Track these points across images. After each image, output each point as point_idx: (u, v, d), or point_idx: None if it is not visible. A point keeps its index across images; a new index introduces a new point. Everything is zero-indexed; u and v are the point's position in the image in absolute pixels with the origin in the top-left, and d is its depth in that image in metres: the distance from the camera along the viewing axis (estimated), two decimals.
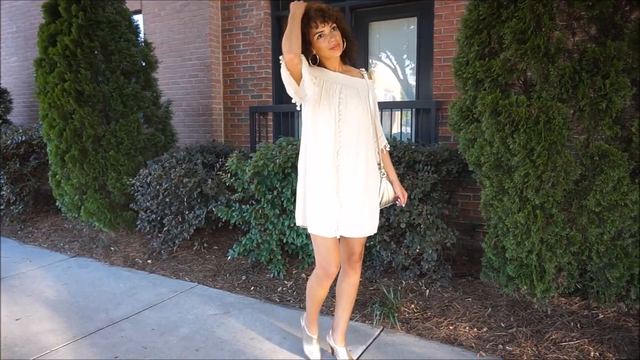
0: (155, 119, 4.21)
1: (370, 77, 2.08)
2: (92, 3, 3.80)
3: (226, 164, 3.36)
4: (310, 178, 1.95)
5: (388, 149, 2.19)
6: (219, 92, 5.16)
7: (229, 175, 3.35)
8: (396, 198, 2.15)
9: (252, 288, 3.16)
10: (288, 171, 3.10)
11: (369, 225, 2.00)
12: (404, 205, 2.20)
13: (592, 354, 2.19)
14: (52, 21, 3.83)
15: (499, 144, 2.23)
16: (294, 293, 3.04)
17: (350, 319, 2.62)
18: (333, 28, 1.86)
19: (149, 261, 3.75)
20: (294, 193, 3.09)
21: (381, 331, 2.51)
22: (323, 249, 1.98)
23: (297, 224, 2.08)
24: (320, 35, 1.85)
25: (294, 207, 3.08)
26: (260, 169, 3.11)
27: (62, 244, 4.32)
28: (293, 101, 1.93)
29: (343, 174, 1.91)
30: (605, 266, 2.23)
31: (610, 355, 2.18)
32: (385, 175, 2.12)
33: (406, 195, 2.19)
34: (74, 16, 3.72)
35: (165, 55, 5.15)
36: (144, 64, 4.18)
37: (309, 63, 1.86)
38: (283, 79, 1.85)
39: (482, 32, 2.25)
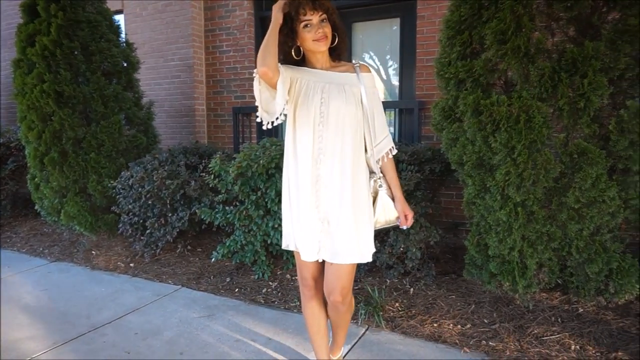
0: (137, 120, 4.16)
1: (366, 70, 1.78)
2: (72, 3, 3.73)
3: (209, 165, 3.34)
4: (291, 192, 1.77)
5: (394, 153, 1.84)
6: (202, 93, 5.12)
7: (212, 176, 3.33)
8: (398, 218, 1.83)
9: (237, 290, 3.14)
10: (272, 172, 3.09)
11: (357, 249, 1.70)
12: (405, 227, 1.84)
13: (572, 347, 2.23)
14: (31, 21, 3.75)
15: (480, 143, 2.26)
16: (279, 294, 3.03)
17: None
18: (323, 19, 1.66)
19: (132, 265, 3.69)
20: (278, 194, 3.08)
21: (366, 330, 2.52)
22: (297, 261, 1.85)
23: (283, 247, 1.88)
24: (306, 25, 1.64)
25: (278, 208, 3.09)
26: (244, 170, 3.09)
27: (41, 249, 4.23)
28: (259, 120, 1.72)
29: (324, 186, 1.69)
30: (584, 261, 2.28)
31: (590, 348, 2.22)
32: (385, 188, 1.80)
33: (411, 216, 1.82)
34: (53, 16, 3.65)
35: (147, 55, 5.09)
36: (125, 64, 4.11)
37: (292, 55, 1.70)
38: (254, 93, 1.68)
39: (463, 33, 2.28)
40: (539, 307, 2.57)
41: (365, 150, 1.77)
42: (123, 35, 4.22)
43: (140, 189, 3.54)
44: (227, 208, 3.31)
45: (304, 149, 1.71)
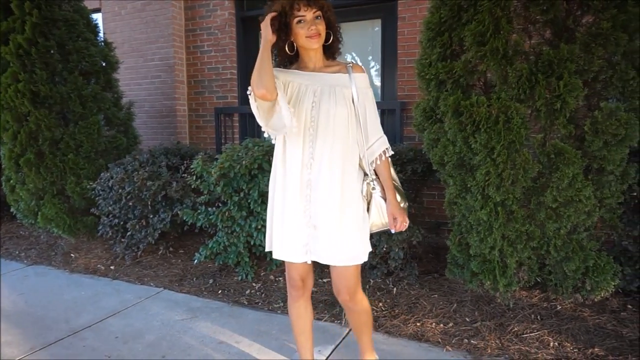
0: (116, 120, 4.09)
1: (359, 71, 1.74)
2: (47, 1, 3.65)
3: (191, 166, 3.30)
4: (275, 195, 1.77)
5: (389, 154, 1.79)
6: (183, 93, 5.07)
7: (194, 177, 3.30)
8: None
9: (220, 291, 3.12)
10: (255, 172, 3.08)
11: (347, 251, 1.70)
12: (394, 231, 1.78)
13: (551, 344, 2.28)
14: (4, 19, 3.65)
15: (461, 144, 2.29)
16: (262, 295, 3.02)
17: (319, 319, 2.63)
18: (317, 16, 1.64)
19: (112, 267, 3.63)
20: (261, 195, 3.07)
21: (350, 330, 2.53)
22: (286, 262, 1.84)
23: (266, 250, 1.87)
24: (300, 21, 1.63)
25: (262, 209, 3.08)
26: (226, 171, 3.07)
27: (17, 252, 4.13)
28: (265, 135, 1.71)
29: (313, 191, 1.68)
30: (562, 259, 2.33)
31: (568, 344, 2.27)
32: (379, 190, 1.76)
33: (401, 220, 1.75)
34: (28, 14, 3.56)
35: (127, 55, 5.01)
36: (104, 64, 4.05)
37: (285, 51, 1.70)
38: (253, 111, 1.65)
39: (444, 35, 2.31)
40: (519, 305, 2.62)
41: None
42: (101, 35, 4.15)
43: (120, 191, 3.49)
44: (209, 209, 3.29)
45: (294, 153, 1.70)
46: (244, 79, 5.07)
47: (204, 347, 2.40)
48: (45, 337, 2.55)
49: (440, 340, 2.39)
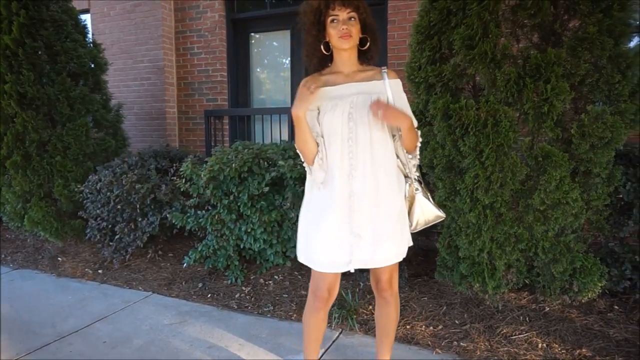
0: (105, 123, 4.05)
1: (394, 76, 1.74)
2: (35, 1, 3.61)
3: (181, 169, 3.28)
4: (311, 207, 1.75)
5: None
6: (173, 96, 5.05)
7: (183, 180, 3.27)
8: (438, 217, 1.85)
9: (209, 295, 3.09)
10: (244, 175, 3.07)
11: (393, 252, 1.74)
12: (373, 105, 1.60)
13: (540, 345, 2.30)
14: None
15: (450, 147, 2.30)
16: (252, 299, 3.00)
17: None
18: (351, 17, 1.63)
19: (100, 271, 3.59)
20: (250, 198, 3.06)
21: (340, 333, 2.53)
22: (314, 272, 1.78)
23: (300, 261, 1.82)
24: (333, 20, 1.63)
25: (251, 212, 3.07)
26: (216, 174, 3.06)
27: (3, 256, 4.06)
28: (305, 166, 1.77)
29: (357, 201, 1.66)
30: (550, 261, 2.35)
31: (556, 345, 2.29)
32: (421, 191, 1.80)
33: (383, 108, 1.58)
34: (15, 14, 3.52)
35: (116, 57, 4.98)
36: (92, 65, 4.01)
37: (322, 50, 1.69)
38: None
39: (433, 38, 2.32)
40: (507, 307, 2.63)
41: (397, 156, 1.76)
42: (90, 36, 4.11)
43: (109, 194, 3.45)
44: (199, 212, 3.26)
45: (335, 165, 1.67)
46: (234, 82, 5.06)
47: (193, 351, 2.38)
48: (31, 342, 2.51)
49: (430, 343, 2.39)
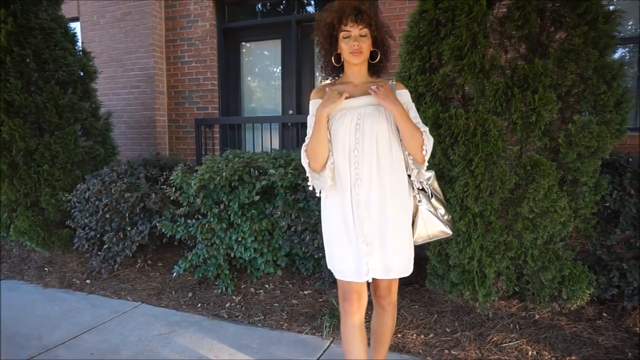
0: (94, 131, 4.03)
1: (402, 87, 1.78)
2: (23, 9, 3.59)
3: (171, 178, 3.26)
4: (332, 218, 1.75)
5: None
6: (163, 104, 5.03)
7: (173, 189, 3.25)
8: (443, 233, 1.83)
9: (199, 305, 3.06)
10: (235, 184, 3.06)
11: (401, 264, 1.71)
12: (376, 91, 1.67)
13: (530, 353, 2.31)
14: None
15: (440, 156, 2.32)
16: (243, 308, 2.98)
17: (300, 331, 2.61)
18: (363, 34, 1.66)
19: (88, 281, 3.54)
20: (241, 206, 3.05)
21: (331, 342, 2.51)
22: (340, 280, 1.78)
23: (336, 275, 1.79)
24: (346, 36, 1.67)
25: (242, 221, 3.05)
26: (206, 182, 3.04)
27: None
28: (311, 189, 1.77)
29: (365, 211, 1.67)
30: (539, 269, 2.37)
31: (546, 353, 2.30)
32: (424, 203, 1.78)
33: (383, 90, 1.65)
34: (3, 22, 3.50)
35: (106, 65, 4.96)
36: (82, 73, 3.99)
37: (333, 62, 1.74)
38: (304, 167, 1.74)
39: (422, 48, 2.35)
40: (498, 315, 2.64)
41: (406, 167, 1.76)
42: (80, 44, 4.10)
43: (97, 202, 3.42)
44: (189, 221, 3.24)
45: (342, 176, 1.70)
46: (225, 90, 5.06)
47: None
48: (16, 354, 2.45)
49: (421, 351, 2.39)
